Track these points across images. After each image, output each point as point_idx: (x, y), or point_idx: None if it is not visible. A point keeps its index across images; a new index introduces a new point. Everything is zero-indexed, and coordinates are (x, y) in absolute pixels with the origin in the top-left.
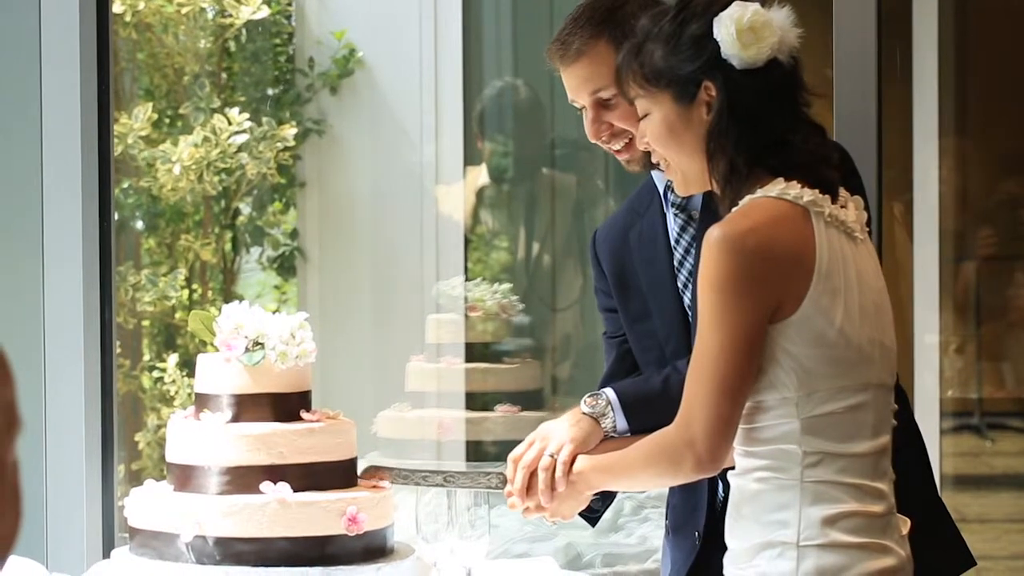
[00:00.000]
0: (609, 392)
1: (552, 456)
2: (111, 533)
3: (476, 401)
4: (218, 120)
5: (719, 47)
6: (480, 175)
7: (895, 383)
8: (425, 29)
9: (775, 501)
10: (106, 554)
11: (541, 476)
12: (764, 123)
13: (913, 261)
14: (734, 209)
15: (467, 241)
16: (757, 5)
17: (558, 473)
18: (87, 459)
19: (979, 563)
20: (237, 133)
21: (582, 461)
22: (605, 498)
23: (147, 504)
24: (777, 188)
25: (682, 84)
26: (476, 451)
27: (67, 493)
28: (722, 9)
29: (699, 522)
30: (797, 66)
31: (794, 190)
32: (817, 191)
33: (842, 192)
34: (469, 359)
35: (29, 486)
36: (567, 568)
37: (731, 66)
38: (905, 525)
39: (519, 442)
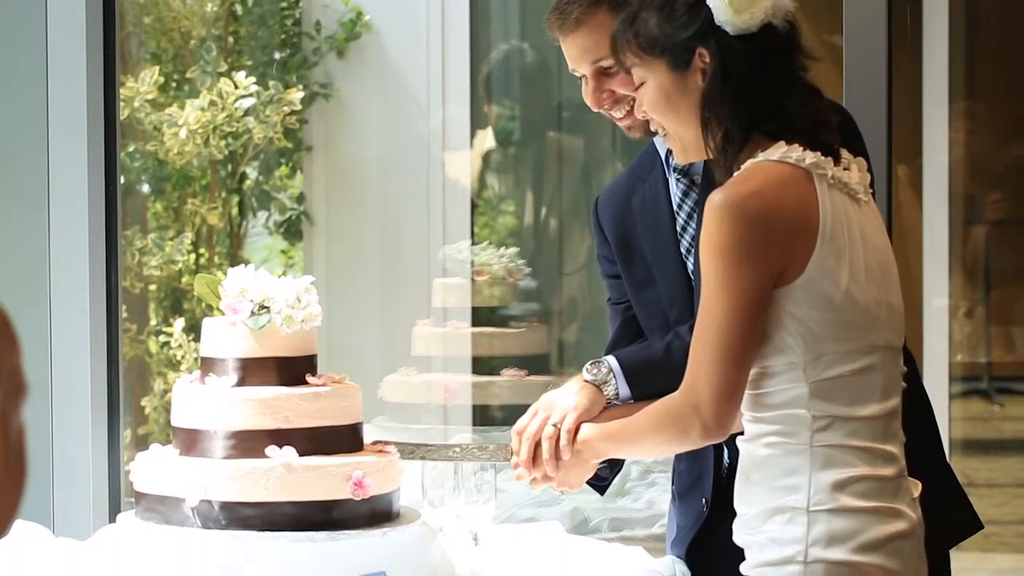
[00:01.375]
0: (611, 359)
1: (555, 425)
2: (117, 497)
3: (482, 365)
4: (224, 84)
5: (712, 14)
6: (486, 139)
7: (903, 345)
8: None
9: (785, 466)
10: (112, 518)
11: (545, 445)
12: (759, 88)
13: (922, 224)
14: (736, 174)
15: (473, 205)
16: None
17: (562, 442)
18: (93, 423)
19: (987, 528)
20: (243, 97)
21: (587, 429)
22: (613, 466)
23: (153, 468)
24: (779, 152)
25: (677, 52)
26: (482, 415)
27: (73, 457)
28: None
29: (706, 488)
30: (793, 30)
31: (796, 153)
32: (819, 153)
33: (844, 154)
34: (475, 323)
35: (35, 450)
36: (573, 532)
37: (725, 32)
38: (916, 488)
39: (526, 406)
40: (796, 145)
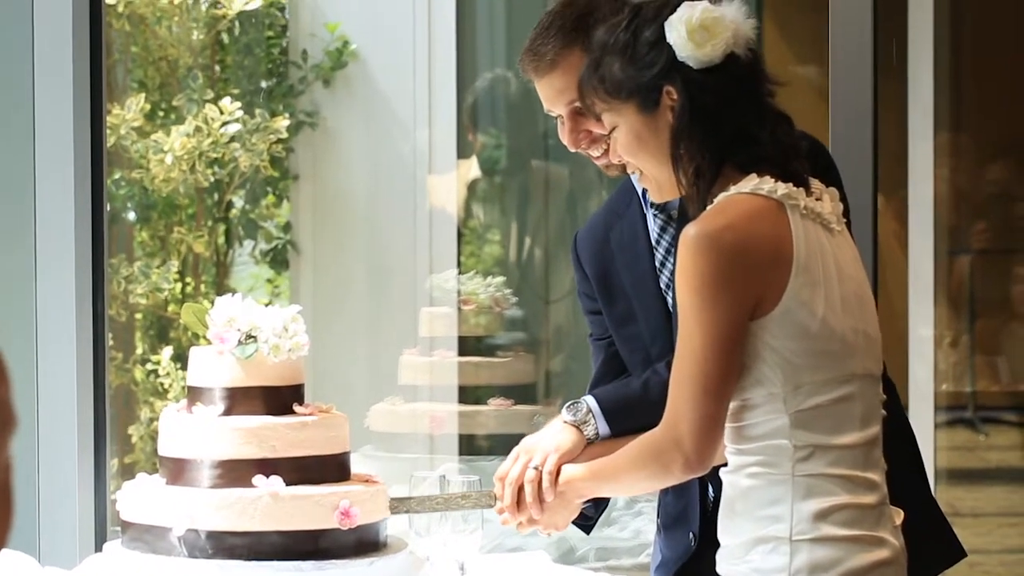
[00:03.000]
0: (589, 400)
1: (537, 468)
2: (103, 526)
3: (469, 395)
4: (210, 110)
5: (674, 50)
6: (471, 168)
7: (882, 373)
8: (419, 22)
9: (767, 496)
10: (98, 547)
11: (528, 489)
12: (727, 119)
13: (908, 254)
14: (708, 207)
15: (460, 234)
16: (706, 3)
17: (545, 484)
18: (79, 452)
19: (972, 557)
20: (229, 123)
21: (569, 470)
22: (598, 505)
23: (139, 497)
24: (751, 184)
25: (644, 92)
26: (469, 445)
27: (59, 486)
28: (672, 12)
29: (693, 522)
30: (756, 57)
31: (768, 184)
32: (791, 184)
33: (816, 184)
34: (462, 352)
35: (21, 478)
36: (560, 562)
37: (689, 67)
38: (898, 516)
39: (512, 436)
40: (767, 176)
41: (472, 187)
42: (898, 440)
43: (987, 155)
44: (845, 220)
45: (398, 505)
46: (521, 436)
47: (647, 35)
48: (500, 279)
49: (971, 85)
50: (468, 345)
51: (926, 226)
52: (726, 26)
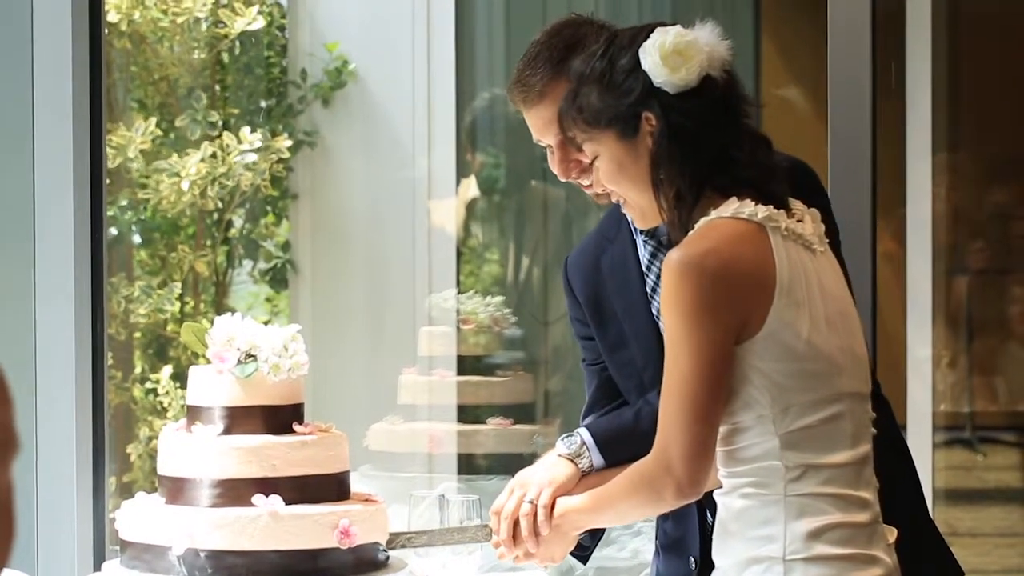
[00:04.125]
0: (583, 432)
1: (532, 502)
2: (102, 546)
3: (468, 414)
4: (228, 138)
5: (650, 77)
6: (470, 187)
7: (872, 392)
8: (418, 41)
9: (760, 517)
10: (97, 567)
11: (523, 523)
12: (706, 143)
13: (906, 275)
14: (690, 232)
15: (459, 253)
16: (679, 27)
17: (540, 518)
18: (78, 471)
19: None
20: (247, 152)
21: (563, 502)
22: (594, 535)
23: (138, 517)
24: (731, 208)
25: (623, 120)
26: (468, 464)
27: (58, 505)
28: (647, 38)
29: (693, 547)
30: (732, 79)
31: (748, 208)
32: (771, 207)
33: (798, 205)
34: (461, 372)
35: (20, 497)
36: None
37: (666, 92)
38: (892, 534)
39: (511, 455)
40: (748, 200)
41: (471, 207)
42: (894, 459)
43: (985, 175)
44: (829, 241)
45: (394, 539)
46: (520, 456)
47: (623, 63)
48: (499, 299)
49: (969, 105)
50: (467, 364)
51: (924, 246)
52: (700, 49)
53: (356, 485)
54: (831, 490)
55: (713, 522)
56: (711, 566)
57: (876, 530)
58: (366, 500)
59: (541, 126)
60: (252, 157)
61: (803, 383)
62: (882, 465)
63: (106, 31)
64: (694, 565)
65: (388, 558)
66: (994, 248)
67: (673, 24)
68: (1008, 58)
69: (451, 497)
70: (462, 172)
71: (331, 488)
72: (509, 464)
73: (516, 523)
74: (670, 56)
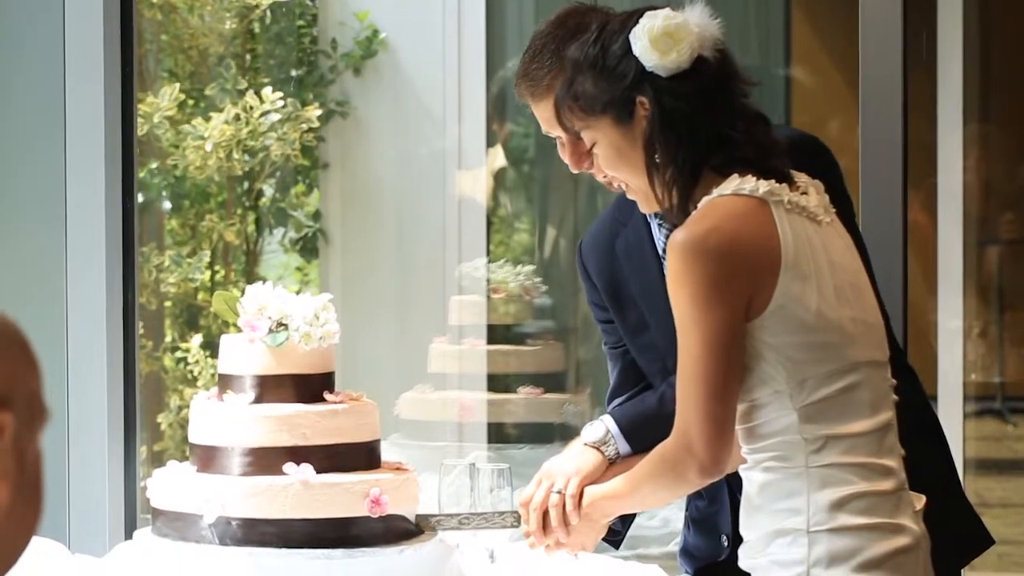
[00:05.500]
0: (607, 420)
1: (560, 492)
2: (133, 514)
3: (498, 383)
4: (250, 98)
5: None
6: (497, 157)
7: (897, 361)
8: (448, 10)
9: (784, 490)
10: (128, 535)
11: (552, 513)
12: (700, 124)
13: (936, 245)
14: (692, 213)
15: (489, 222)
16: (667, 10)
17: (568, 507)
18: (109, 440)
19: (1001, 547)
20: (268, 112)
21: (591, 491)
22: (625, 520)
23: (170, 485)
24: (732, 185)
25: (618, 105)
26: (498, 433)
27: (89, 474)
28: (636, 22)
29: (725, 525)
30: (726, 58)
31: (749, 184)
32: (772, 181)
33: (802, 178)
34: (491, 341)
35: (51, 467)
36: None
37: (659, 76)
38: (919, 501)
39: (541, 424)
40: (749, 176)
41: (499, 176)
42: (922, 428)
43: (1017, 146)
44: (842, 213)
45: (424, 521)
46: (550, 425)
47: (615, 48)
48: (530, 267)
49: (1000, 76)
50: (497, 333)
51: (955, 217)
52: (689, 31)
53: (387, 454)
54: (853, 459)
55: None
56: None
57: (902, 497)
58: (396, 469)
59: (549, 118)
60: (275, 117)
61: (816, 355)
62: (908, 433)
63: (136, 1)
64: (726, 543)
65: (419, 527)
66: None
67: (664, 7)
68: None
69: (481, 466)
70: (492, 142)
71: (362, 457)
72: (539, 433)
73: (546, 513)
74: (660, 39)
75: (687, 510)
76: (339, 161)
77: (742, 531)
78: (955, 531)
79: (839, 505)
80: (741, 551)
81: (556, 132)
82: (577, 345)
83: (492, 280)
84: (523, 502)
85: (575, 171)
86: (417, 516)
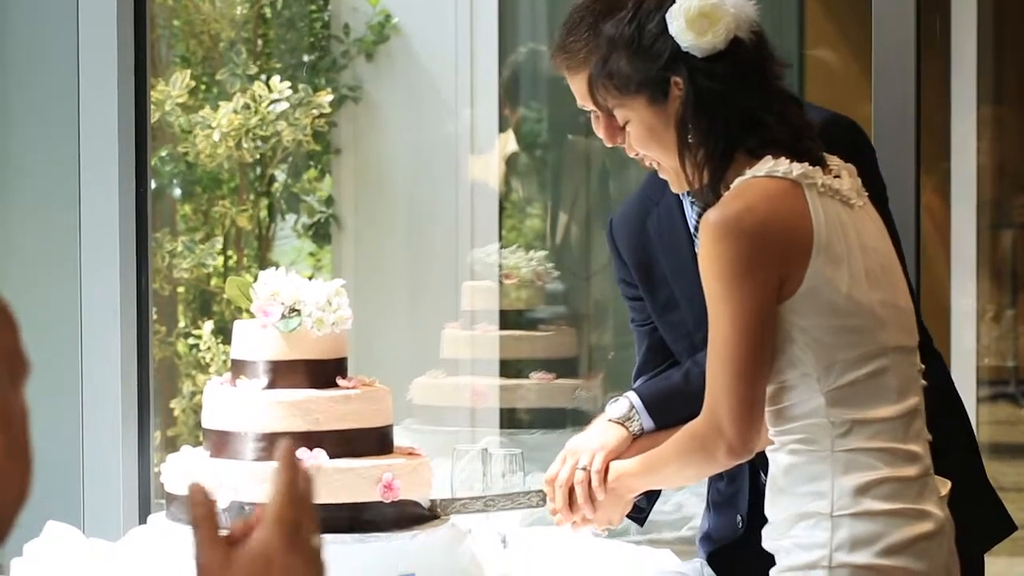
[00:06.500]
0: (632, 396)
1: (585, 469)
2: (147, 499)
3: (511, 368)
4: (259, 87)
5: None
6: (508, 142)
7: (923, 345)
8: None
9: (809, 473)
10: (143, 520)
11: (578, 490)
12: (734, 106)
13: (950, 229)
14: (725, 193)
15: (501, 208)
16: None
17: (594, 483)
18: (123, 425)
19: (1017, 532)
20: (276, 101)
21: (617, 466)
22: (649, 497)
23: (184, 470)
24: (766, 167)
25: (652, 85)
26: (510, 418)
27: (104, 459)
28: (673, 2)
29: (742, 506)
30: (761, 40)
31: (783, 166)
32: (806, 163)
33: (834, 161)
34: (504, 326)
35: (66, 451)
36: (601, 535)
37: (694, 56)
38: (944, 486)
39: (553, 410)
40: (782, 158)
41: (511, 161)
42: (948, 413)
43: None
44: (875, 196)
45: (448, 505)
46: (563, 410)
47: (651, 27)
48: (542, 253)
49: (1014, 59)
50: (510, 319)
51: (968, 200)
52: (726, 11)
53: (399, 439)
54: (878, 444)
55: (766, 481)
56: (757, 525)
57: (927, 483)
58: (409, 454)
59: (585, 92)
60: (283, 106)
61: (845, 339)
62: (933, 417)
63: None
64: (740, 524)
65: (432, 511)
66: None
67: None
68: None
69: (494, 451)
70: (504, 127)
71: (374, 442)
72: (551, 418)
73: (571, 490)
74: (696, 20)
75: (708, 494)
76: (351, 146)
77: (767, 512)
78: (978, 516)
79: (863, 490)
80: (764, 532)
81: (591, 106)
82: (589, 331)
83: (504, 266)
84: (548, 479)
85: (609, 145)
86: (442, 500)
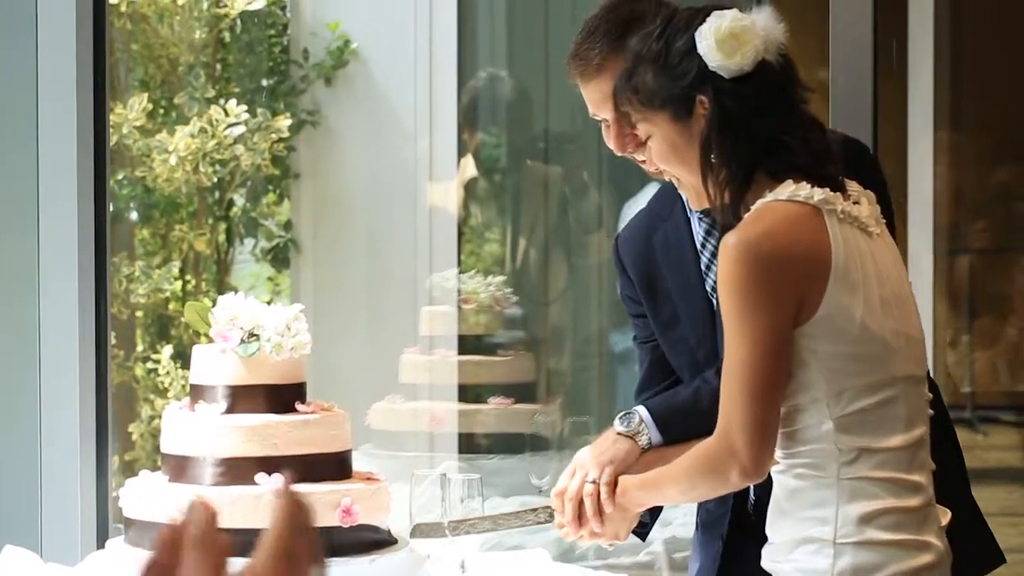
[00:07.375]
0: (641, 410)
1: (594, 482)
2: (105, 524)
3: (469, 393)
4: (215, 111)
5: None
6: (467, 167)
7: (926, 374)
8: (420, 21)
9: (813, 498)
10: (101, 544)
11: (587, 503)
12: (758, 128)
13: (907, 253)
14: (746, 215)
15: (460, 233)
16: (735, 11)
17: (603, 496)
18: (81, 449)
19: None
20: (233, 125)
21: (626, 480)
22: (653, 512)
23: (142, 495)
24: (788, 191)
25: (677, 102)
26: (468, 443)
27: (62, 483)
28: (703, 21)
29: (723, 527)
30: (788, 63)
31: (804, 191)
32: (827, 189)
33: (854, 187)
34: (462, 351)
35: (24, 475)
36: (560, 560)
37: (721, 76)
38: (945, 516)
39: (511, 435)
40: (804, 183)
41: (470, 186)
42: (943, 441)
43: (987, 154)
44: (885, 221)
45: (458, 526)
46: (520, 435)
47: (679, 45)
48: (500, 278)
49: (971, 84)
50: (468, 344)
51: (925, 225)
52: (755, 34)
53: (358, 464)
54: (884, 474)
55: (754, 502)
56: (737, 549)
57: (929, 513)
58: (368, 479)
59: (598, 100)
60: (240, 130)
61: (856, 367)
62: (933, 447)
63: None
64: (721, 546)
65: (390, 536)
66: (996, 227)
67: (731, 7)
68: (1011, 37)
69: (452, 476)
70: (463, 152)
71: (333, 467)
72: (510, 443)
73: (580, 503)
74: (726, 40)
75: (698, 515)
76: (310, 171)
77: (768, 533)
78: (971, 547)
79: (867, 519)
80: (765, 552)
81: (603, 114)
82: (548, 356)
83: (463, 291)
84: (557, 492)
85: (619, 154)
86: (450, 522)
